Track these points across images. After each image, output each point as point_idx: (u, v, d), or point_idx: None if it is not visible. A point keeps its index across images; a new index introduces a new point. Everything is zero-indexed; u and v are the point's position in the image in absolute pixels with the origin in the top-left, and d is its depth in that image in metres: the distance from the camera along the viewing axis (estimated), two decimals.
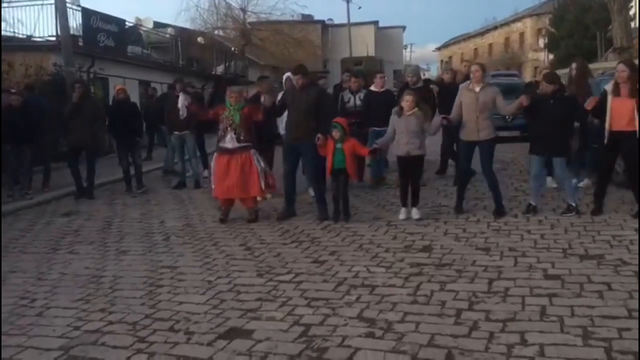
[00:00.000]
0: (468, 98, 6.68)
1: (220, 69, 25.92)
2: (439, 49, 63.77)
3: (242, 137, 6.89)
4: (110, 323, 4.06)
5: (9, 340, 3.84)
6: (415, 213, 6.70)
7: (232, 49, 29.48)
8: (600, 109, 6.36)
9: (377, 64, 30.65)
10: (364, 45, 41.22)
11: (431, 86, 9.10)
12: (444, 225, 6.35)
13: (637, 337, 3.33)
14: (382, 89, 8.94)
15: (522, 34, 46.96)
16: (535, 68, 33.78)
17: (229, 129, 6.88)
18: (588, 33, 26.10)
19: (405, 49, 54.75)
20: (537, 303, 3.97)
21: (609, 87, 6.39)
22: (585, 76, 8.18)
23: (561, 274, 4.53)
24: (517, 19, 47.86)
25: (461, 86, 7.17)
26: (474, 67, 6.90)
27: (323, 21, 44.43)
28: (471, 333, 3.58)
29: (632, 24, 19.85)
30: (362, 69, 24.04)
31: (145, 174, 10.19)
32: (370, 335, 3.65)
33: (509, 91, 10.88)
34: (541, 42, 38.62)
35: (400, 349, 3.43)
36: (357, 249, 5.65)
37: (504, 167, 10.07)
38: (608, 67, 11.92)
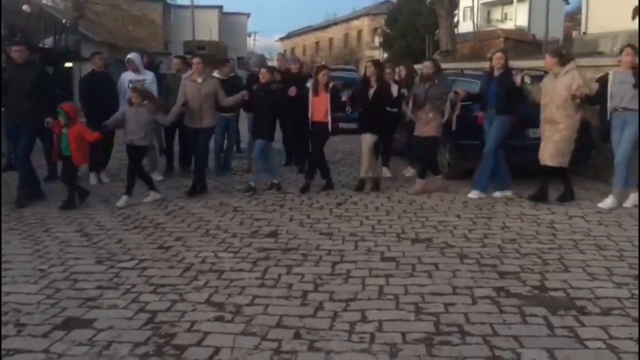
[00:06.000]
0: None
1: (48, 42, 23.76)
2: (282, 39, 64.62)
3: None
4: None
5: None
6: (121, 200, 6.72)
7: (64, 21, 27.19)
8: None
9: (221, 49, 30.28)
10: (208, 30, 40.41)
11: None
12: (289, 212, 6.51)
13: (461, 311, 3.74)
14: (229, 76, 8.88)
15: (359, 32, 49.25)
16: None
17: None
18: (418, 35, 28.14)
19: (250, 36, 54.66)
20: (376, 283, 4.26)
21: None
22: (412, 75, 8.94)
23: (396, 256, 4.90)
24: (356, 17, 50.11)
25: None
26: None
27: (164, 1, 42.72)
28: (317, 313, 3.75)
29: (456, 30, 21.79)
30: (206, 54, 23.61)
31: None
32: (220, 319, 3.66)
33: (349, 85, 11.66)
34: (377, 41, 40.85)
35: (250, 331, 3.49)
36: (204, 234, 5.60)
37: (345, 157, 10.57)
38: None
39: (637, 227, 5.56)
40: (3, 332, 3.43)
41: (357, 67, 31.90)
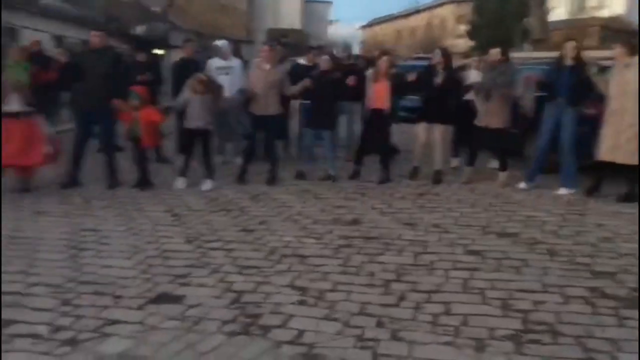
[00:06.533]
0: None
1: (140, 30, 24.82)
2: (364, 27, 64.27)
3: (28, 100, 6.52)
4: (32, 285, 3.88)
5: None
6: (207, 184, 6.94)
7: (155, 9, 28.28)
8: None
9: (304, 37, 30.52)
10: (290, 18, 40.83)
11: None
12: (370, 201, 6.50)
13: (552, 310, 3.60)
14: (312, 64, 8.93)
15: (443, 20, 48.19)
16: (454, 54, 34.79)
17: (12, 90, 6.43)
18: (505, 24, 27.20)
19: (331, 24, 54.73)
20: (460, 276, 4.18)
21: None
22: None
23: (481, 250, 4.78)
24: (440, 4, 49.02)
25: None
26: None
27: None
28: (400, 302, 3.72)
29: (548, 18, 20.90)
30: (289, 41, 23.86)
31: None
32: (303, 303, 3.71)
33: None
34: (461, 29, 39.84)
35: (333, 316, 3.51)
36: (287, 219, 5.68)
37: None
38: (524, 56, 12.51)
39: None
40: (103, 303, 3.64)
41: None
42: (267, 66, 7.32)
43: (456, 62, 8.55)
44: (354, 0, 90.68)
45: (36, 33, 14.88)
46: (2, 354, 3.00)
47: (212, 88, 7.00)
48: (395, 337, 3.27)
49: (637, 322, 3.41)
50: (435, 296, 3.82)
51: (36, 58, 9.05)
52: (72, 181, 6.82)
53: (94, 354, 3.04)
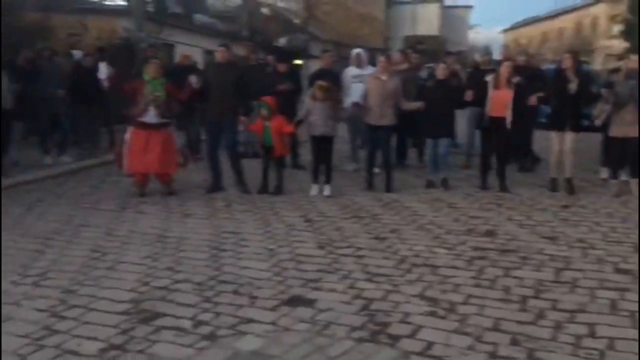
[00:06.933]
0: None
1: (282, 41, 25.93)
2: (505, 31, 61.76)
3: (164, 113, 6.86)
4: (177, 282, 4.19)
5: (83, 290, 4.03)
6: (327, 190, 6.99)
7: (296, 21, 29.40)
8: None
9: (441, 43, 30.05)
10: (428, 24, 40.41)
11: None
12: (507, 212, 6.22)
13: None
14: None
15: (594, 19, 44.88)
16: (608, 56, 32.30)
17: (151, 103, 6.79)
18: None
19: (471, 29, 53.24)
20: (607, 296, 3.85)
21: None
22: None
23: (633, 269, 4.37)
24: (591, 3, 45.72)
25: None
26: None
27: None
28: (537, 321, 3.52)
29: None
30: (426, 48, 23.60)
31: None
32: (433, 314, 3.63)
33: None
34: (615, 29, 36.83)
35: (464, 330, 3.40)
36: (418, 228, 5.61)
37: None
38: None
39: None
40: (240, 302, 3.83)
41: (590, 60, 29.19)
42: (384, 76, 7.30)
43: (610, 65, 7.93)
44: (495, 4, 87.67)
45: (190, 48, 16.14)
46: (151, 344, 3.27)
47: (332, 95, 7.09)
48: (531, 356, 3.09)
49: None
50: (578, 316, 3.56)
51: (174, 71, 9.86)
52: (215, 186, 7.28)
53: (230, 349, 3.21)
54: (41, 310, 3.68)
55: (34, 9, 12.62)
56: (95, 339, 3.31)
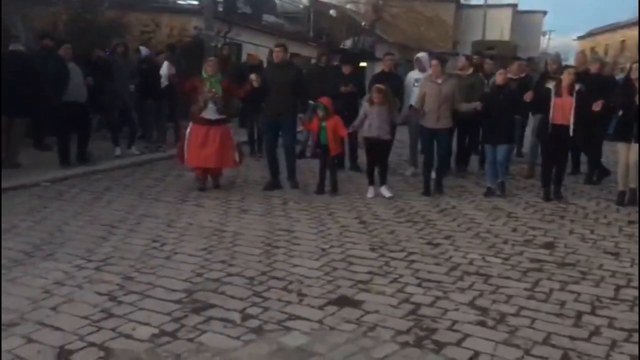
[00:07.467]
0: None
1: (348, 43, 25.97)
2: (580, 38, 59.50)
3: (222, 109, 7.02)
4: (230, 275, 4.30)
5: (141, 277, 4.21)
6: (385, 191, 7.05)
7: (362, 23, 29.38)
8: None
9: (510, 48, 29.26)
10: (499, 29, 39.41)
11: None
12: (569, 224, 6.02)
13: None
14: (519, 75, 8.58)
15: None
16: None
17: (209, 100, 6.96)
18: None
19: (544, 35, 51.59)
20: None
21: None
22: None
23: None
24: None
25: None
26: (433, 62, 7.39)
27: (458, 0, 42.93)
28: (591, 337, 3.40)
29: None
30: (495, 53, 23.05)
31: None
32: (482, 323, 3.57)
33: None
34: None
35: (513, 342, 3.33)
36: (474, 236, 5.51)
37: None
38: None
39: None
40: (288, 298, 3.89)
41: None
42: (439, 80, 7.19)
43: None
44: (571, 9, 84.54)
45: (256, 48, 16.46)
46: (200, 333, 3.38)
47: (389, 98, 7.07)
48: None
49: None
50: (635, 336, 3.41)
51: (241, 70, 10.19)
52: (272, 184, 7.40)
53: (276, 344, 3.27)
54: (101, 294, 3.87)
55: (112, 6, 13.21)
56: (148, 324, 3.45)
